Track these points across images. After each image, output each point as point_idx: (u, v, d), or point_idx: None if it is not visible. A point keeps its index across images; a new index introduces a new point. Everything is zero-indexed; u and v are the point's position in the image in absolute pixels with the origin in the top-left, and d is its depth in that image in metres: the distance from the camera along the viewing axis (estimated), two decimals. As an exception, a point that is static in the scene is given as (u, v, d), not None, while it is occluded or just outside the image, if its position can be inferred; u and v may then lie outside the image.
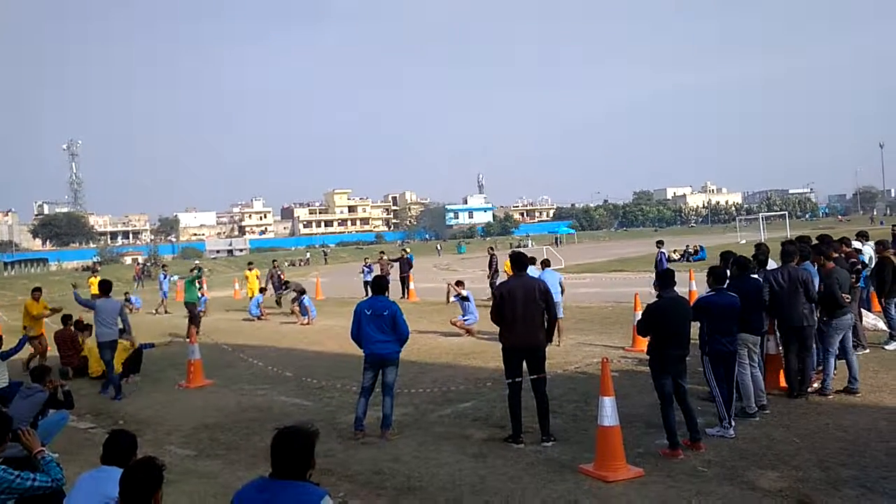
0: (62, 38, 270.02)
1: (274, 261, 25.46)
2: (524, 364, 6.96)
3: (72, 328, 12.80)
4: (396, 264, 24.18)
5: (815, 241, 9.57)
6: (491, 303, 7.40)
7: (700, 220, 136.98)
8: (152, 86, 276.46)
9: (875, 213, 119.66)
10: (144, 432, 7.97)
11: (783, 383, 8.20)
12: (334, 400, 9.27)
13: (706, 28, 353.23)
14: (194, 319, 16.26)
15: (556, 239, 73.35)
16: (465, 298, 14.88)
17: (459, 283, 15.47)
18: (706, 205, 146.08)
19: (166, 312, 23.99)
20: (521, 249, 35.63)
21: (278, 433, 3.25)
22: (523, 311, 6.80)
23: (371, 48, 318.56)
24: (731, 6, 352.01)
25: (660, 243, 20.77)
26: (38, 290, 13.61)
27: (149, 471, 3.30)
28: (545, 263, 13.88)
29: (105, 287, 11.05)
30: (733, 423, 6.71)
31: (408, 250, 26.37)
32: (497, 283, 11.53)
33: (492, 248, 23.83)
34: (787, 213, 77.79)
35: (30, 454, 4.33)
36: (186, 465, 6.94)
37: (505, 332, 6.98)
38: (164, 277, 26.51)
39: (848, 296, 7.89)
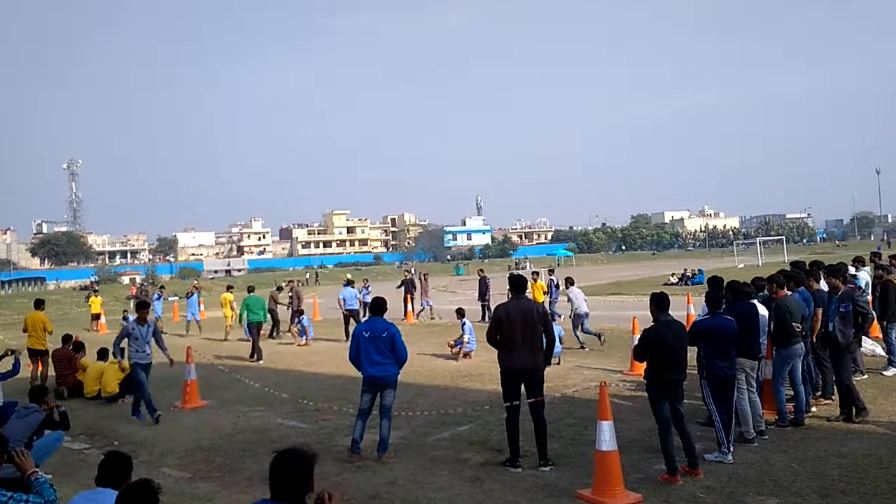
0: (62, 57, 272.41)
1: (291, 281, 24.07)
2: (522, 387, 6.93)
3: (69, 348, 12.73)
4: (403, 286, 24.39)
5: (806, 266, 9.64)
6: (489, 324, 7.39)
7: (698, 244, 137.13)
8: (152, 106, 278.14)
9: (872, 237, 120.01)
10: (139, 454, 7.91)
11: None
12: (331, 422, 9.21)
13: (705, 52, 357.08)
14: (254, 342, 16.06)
15: (517, 263, 73.15)
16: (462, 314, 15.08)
17: (460, 312, 15.55)
18: (704, 229, 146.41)
19: (163, 332, 23.78)
20: (520, 271, 35.89)
21: (278, 455, 3.24)
22: (522, 334, 6.79)
23: (370, 69, 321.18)
24: (730, 30, 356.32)
25: (551, 271, 21.75)
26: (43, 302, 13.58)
27: (145, 493, 3.28)
28: (569, 281, 15.69)
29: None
30: (732, 449, 6.68)
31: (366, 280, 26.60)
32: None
33: (482, 271, 23.98)
34: (784, 237, 77.96)
35: (23, 475, 4.29)
36: (181, 487, 6.87)
37: (503, 355, 6.95)
38: (158, 298, 26.02)
39: (799, 325, 7.64)
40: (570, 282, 16.54)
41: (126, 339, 10.33)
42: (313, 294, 35.61)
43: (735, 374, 6.84)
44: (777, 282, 8.09)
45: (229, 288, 21.78)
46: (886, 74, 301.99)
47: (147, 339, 10.17)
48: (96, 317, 27.42)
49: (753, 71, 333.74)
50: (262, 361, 15.72)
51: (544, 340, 6.99)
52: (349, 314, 19.21)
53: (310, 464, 3.21)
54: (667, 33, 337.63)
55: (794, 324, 7.59)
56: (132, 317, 27.41)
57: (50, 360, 12.66)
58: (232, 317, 20.89)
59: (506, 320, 6.84)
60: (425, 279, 24.53)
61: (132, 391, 11.70)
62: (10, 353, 11.05)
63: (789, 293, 8.07)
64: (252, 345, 16.17)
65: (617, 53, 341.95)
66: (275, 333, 20.50)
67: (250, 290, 18.99)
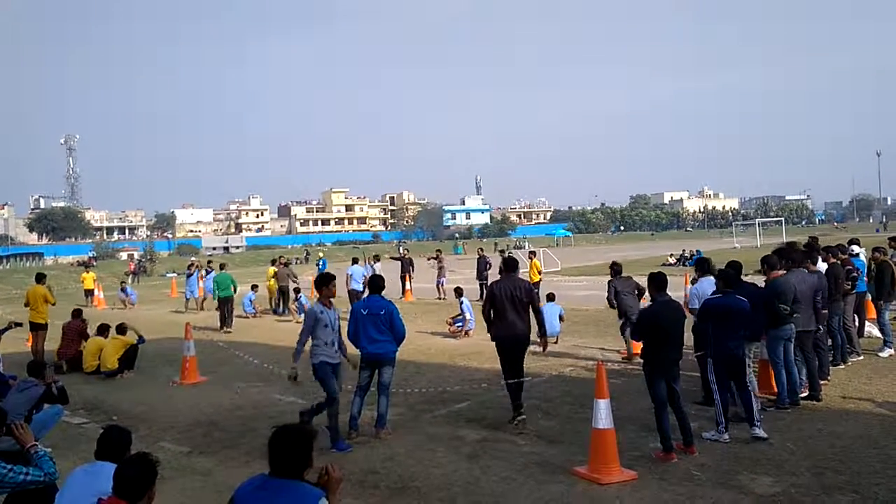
0: (61, 33, 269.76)
1: (280, 257, 23.23)
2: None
3: (82, 321, 12.82)
4: (399, 263, 24.36)
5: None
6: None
7: (697, 224, 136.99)
8: (151, 82, 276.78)
9: (871, 220, 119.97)
10: (138, 428, 7.94)
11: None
12: (329, 399, 9.24)
13: (706, 34, 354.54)
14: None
15: (507, 245, 72.07)
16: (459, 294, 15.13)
17: (458, 291, 15.55)
18: (703, 209, 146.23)
19: (198, 310, 22.81)
20: (514, 251, 36.02)
21: (276, 432, 3.23)
22: (511, 307, 7.58)
23: (371, 48, 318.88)
24: (730, 13, 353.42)
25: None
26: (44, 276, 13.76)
27: (143, 466, 3.30)
28: (550, 297, 14.07)
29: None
30: (728, 428, 6.73)
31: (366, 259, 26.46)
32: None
33: (481, 250, 24.08)
34: (783, 219, 77.97)
35: (23, 448, 4.32)
36: (180, 461, 6.93)
37: (494, 325, 7.75)
38: (208, 274, 23.11)
39: (787, 307, 7.58)
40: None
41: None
42: (311, 273, 35.57)
43: (743, 353, 6.85)
44: (769, 262, 8.07)
45: (273, 262, 21.94)
46: (888, 56, 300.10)
47: (335, 326, 7.34)
48: (89, 292, 27.24)
49: (754, 53, 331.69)
50: (230, 331, 16.82)
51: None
52: (354, 294, 17.59)
53: (309, 441, 3.20)
54: (667, 15, 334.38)
55: (782, 305, 7.58)
56: (130, 288, 27.16)
57: (61, 331, 12.74)
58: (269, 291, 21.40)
59: (498, 296, 7.67)
60: (438, 256, 24.45)
61: (131, 367, 11.78)
62: (13, 325, 11.11)
63: (785, 273, 8.05)
64: (220, 317, 17.48)
65: (618, 36, 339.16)
66: (279, 310, 20.48)
67: (222, 266, 19.25)
